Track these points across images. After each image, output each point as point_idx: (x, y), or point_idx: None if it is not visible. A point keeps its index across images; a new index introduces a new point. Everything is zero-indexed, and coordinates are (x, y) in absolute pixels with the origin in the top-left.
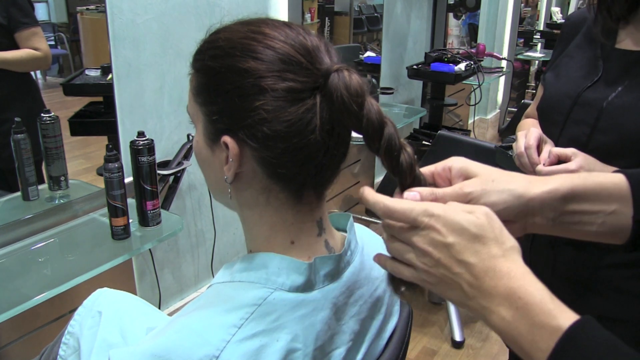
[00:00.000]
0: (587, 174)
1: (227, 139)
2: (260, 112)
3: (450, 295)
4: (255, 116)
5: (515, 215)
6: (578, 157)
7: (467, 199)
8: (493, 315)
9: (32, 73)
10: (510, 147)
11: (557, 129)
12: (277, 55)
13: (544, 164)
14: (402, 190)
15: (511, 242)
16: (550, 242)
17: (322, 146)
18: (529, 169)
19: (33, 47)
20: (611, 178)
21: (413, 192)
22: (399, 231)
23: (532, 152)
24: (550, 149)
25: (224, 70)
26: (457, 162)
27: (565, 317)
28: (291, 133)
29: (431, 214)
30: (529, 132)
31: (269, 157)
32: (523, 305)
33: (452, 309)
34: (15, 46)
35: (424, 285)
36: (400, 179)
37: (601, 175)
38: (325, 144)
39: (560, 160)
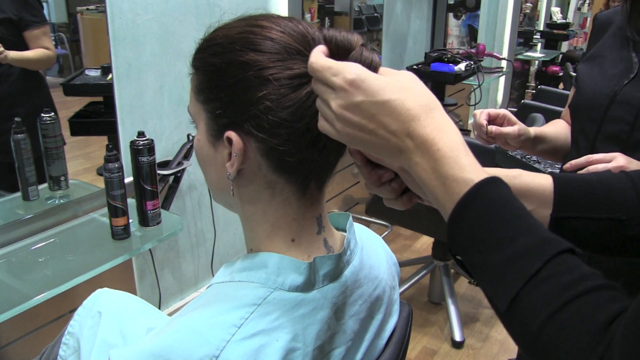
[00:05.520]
0: (519, 174)
1: (231, 133)
2: (264, 102)
3: (386, 156)
4: (260, 106)
5: None
6: (619, 157)
7: None
8: (417, 166)
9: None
10: None
11: (594, 126)
12: (276, 45)
13: (487, 128)
14: None
15: (435, 100)
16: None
17: None
18: (484, 137)
19: (43, 46)
20: (538, 179)
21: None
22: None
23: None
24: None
25: (225, 65)
26: None
27: (476, 173)
28: (296, 118)
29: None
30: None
31: (276, 145)
32: (440, 158)
33: (452, 309)
34: (23, 43)
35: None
36: None
37: (530, 176)
38: None
39: (491, 120)
